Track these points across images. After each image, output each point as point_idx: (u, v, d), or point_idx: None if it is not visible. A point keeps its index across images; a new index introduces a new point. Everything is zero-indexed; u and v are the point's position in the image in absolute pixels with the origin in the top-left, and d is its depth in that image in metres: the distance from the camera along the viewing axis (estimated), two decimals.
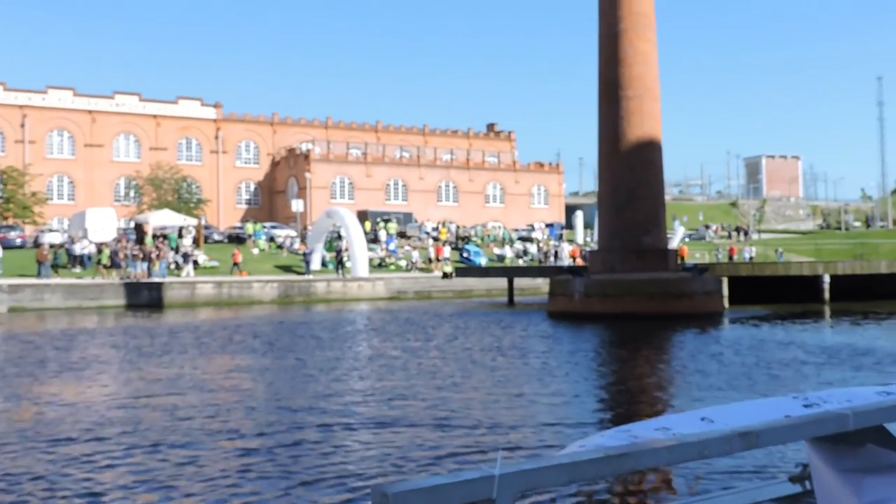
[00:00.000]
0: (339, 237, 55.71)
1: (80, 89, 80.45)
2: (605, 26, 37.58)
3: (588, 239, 73.53)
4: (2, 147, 76.89)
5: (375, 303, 45.49)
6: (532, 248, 64.92)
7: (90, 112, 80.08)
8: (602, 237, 38.76)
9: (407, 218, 74.12)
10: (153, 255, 46.07)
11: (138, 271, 44.88)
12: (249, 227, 62.62)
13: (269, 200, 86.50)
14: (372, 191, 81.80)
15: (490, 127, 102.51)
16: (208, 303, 42.85)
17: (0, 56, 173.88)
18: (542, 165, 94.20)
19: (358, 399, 16.56)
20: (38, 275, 43.88)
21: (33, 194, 66.59)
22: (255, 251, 56.92)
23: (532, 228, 76.06)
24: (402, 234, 67.45)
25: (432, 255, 57.60)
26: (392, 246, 60.60)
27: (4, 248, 52.18)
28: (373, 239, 60.13)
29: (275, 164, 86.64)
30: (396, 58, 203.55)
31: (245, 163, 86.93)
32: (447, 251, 58.37)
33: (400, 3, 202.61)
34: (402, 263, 57.16)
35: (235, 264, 49.12)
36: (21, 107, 77.58)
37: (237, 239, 61.19)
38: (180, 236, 53.87)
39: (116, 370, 21.03)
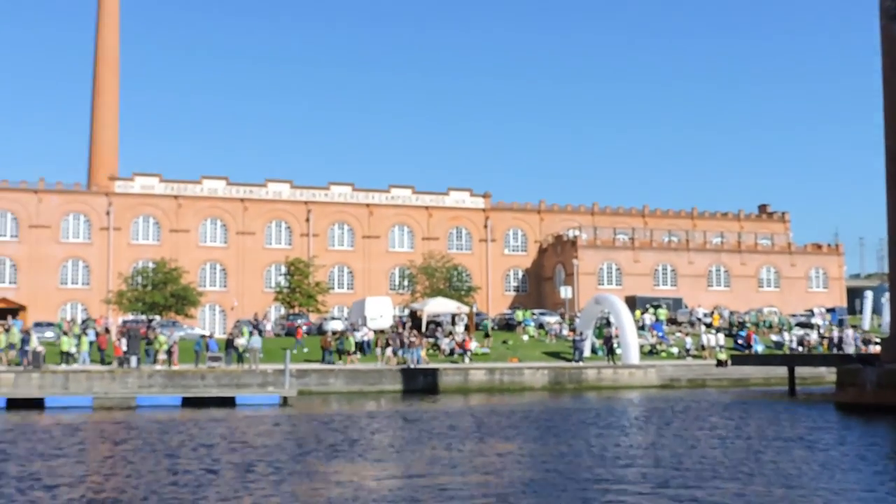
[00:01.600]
0: (609, 323, 55.18)
1: (358, 184, 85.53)
2: (891, 96, 35.53)
3: (875, 324, 68.58)
4: (289, 240, 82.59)
5: (647, 391, 44.49)
6: (812, 335, 61.43)
7: (368, 206, 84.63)
8: (895, 323, 36.08)
9: (677, 303, 72.42)
10: (414, 342, 47.46)
11: (413, 357, 46.34)
12: (519, 314, 63.33)
13: (536, 287, 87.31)
14: (640, 276, 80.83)
15: (762, 208, 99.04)
16: (481, 389, 43.52)
17: (288, 156, 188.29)
18: (819, 247, 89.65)
19: (639, 489, 16.13)
20: (323, 360, 46.34)
21: (317, 284, 70.55)
22: (525, 338, 57.35)
23: (811, 314, 72.05)
24: (672, 321, 65.90)
25: (708, 342, 55.62)
26: (662, 332, 59.27)
27: (293, 334, 55.60)
28: (642, 325, 59.06)
29: (542, 251, 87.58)
30: (663, 141, 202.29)
31: (513, 250, 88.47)
32: (721, 338, 56.23)
33: (663, 85, 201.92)
34: (674, 350, 55.73)
35: (467, 350, 49.48)
36: (306, 203, 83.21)
37: (507, 325, 61.96)
38: (453, 323, 55.26)
39: (397, 452, 21.66)
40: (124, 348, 43.33)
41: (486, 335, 53.96)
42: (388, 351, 47.24)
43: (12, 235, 75.51)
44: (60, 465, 19.21)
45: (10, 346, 42.89)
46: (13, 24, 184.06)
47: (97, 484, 17.01)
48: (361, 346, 49.21)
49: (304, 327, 56.72)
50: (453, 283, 70.55)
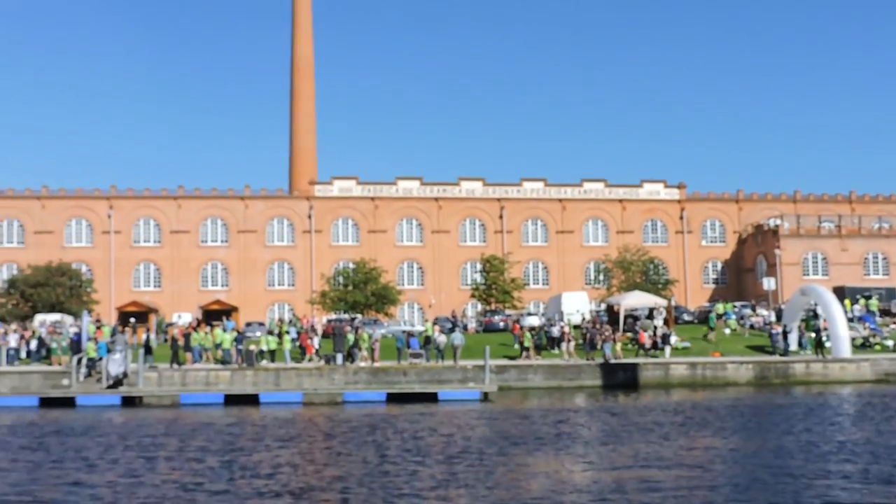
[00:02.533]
0: (816, 315, 52.86)
1: (551, 179, 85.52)
2: None
3: None
4: (483, 237, 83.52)
5: (861, 385, 42.36)
6: None
7: (560, 200, 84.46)
8: None
9: (890, 293, 68.49)
10: (608, 336, 46.74)
11: (608, 353, 45.77)
12: (720, 307, 61.63)
13: (736, 279, 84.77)
14: (848, 265, 77.08)
15: None
16: (682, 383, 42.55)
17: (480, 154, 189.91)
18: None
19: (859, 484, 15.47)
20: (521, 356, 46.52)
21: (512, 280, 71.12)
22: (727, 331, 55.73)
23: None
24: (885, 311, 62.42)
25: None
26: (875, 324, 56.21)
27: (489, 330, 56.23)
28: (851, 317, 56.18)
29: (741, 242, 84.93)
30: (868, 121, 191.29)
31: (710, 242, 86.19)
32: None
33: (865, 61, 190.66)
34: (889, 343, 52.75)
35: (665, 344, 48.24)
36: (499, 200, 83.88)
37: (708, 319, 60.29)
38: (650, 317, 54.27)
39: (601, 446, 21.57)
40: (316, 346, 45.33)
41: (711, 328, 53.15)
42: (571, 345, 46.94)
43: (223, 241, 79.84)
44: (281, 455, 20.21)
45: (217, 345, 45.37)
46: (217, 45, 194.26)
47: (316, 471, 17.84)
48: (559, 342, 49.06)
49: (502, 324, 57.32)
50: (650, 277, 69.39)
